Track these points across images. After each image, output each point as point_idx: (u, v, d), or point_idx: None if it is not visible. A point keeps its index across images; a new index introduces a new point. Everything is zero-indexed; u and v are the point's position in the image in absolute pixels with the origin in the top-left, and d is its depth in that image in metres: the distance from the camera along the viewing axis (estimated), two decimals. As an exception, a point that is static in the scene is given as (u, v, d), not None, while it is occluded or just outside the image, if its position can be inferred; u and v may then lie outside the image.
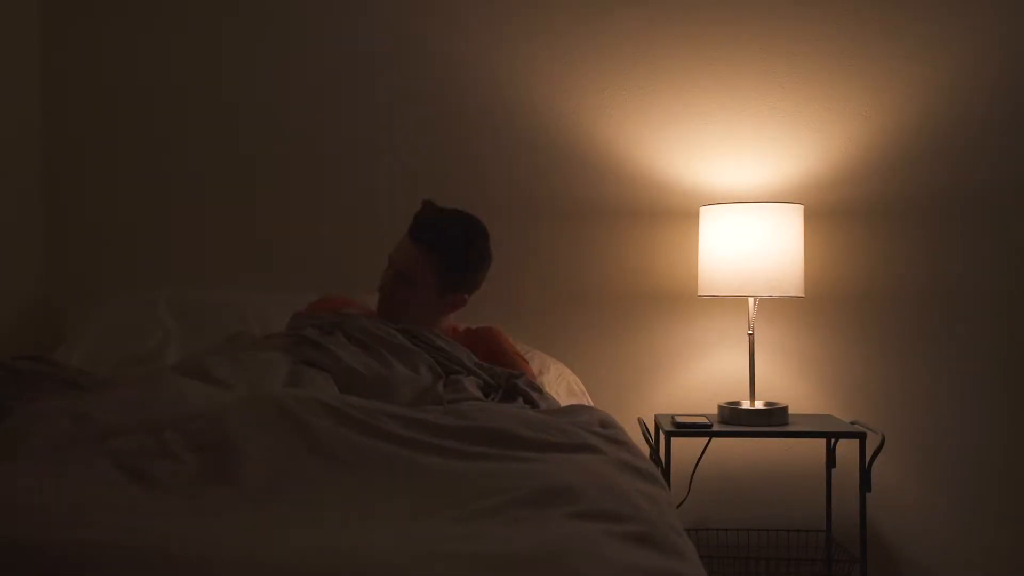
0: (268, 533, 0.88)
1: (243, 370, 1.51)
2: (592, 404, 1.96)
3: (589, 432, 1.28)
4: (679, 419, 2.18)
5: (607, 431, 1.41)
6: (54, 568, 0.75)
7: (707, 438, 2.26)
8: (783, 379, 2.44)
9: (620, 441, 1.32)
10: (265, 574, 0.76)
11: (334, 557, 0.80)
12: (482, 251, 1.94)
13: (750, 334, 2.28)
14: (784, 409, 2.21)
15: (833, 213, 2.43)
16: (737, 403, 2.25)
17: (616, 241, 2.46)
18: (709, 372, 2.45)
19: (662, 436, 2.16)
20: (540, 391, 1.75)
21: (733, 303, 2.42)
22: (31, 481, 0.96)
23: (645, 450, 2.16)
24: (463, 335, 2.00)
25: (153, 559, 0.76)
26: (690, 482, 2.31)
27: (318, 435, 1.13)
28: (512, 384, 1.71)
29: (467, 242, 1.92)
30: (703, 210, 2.29)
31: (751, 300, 2.26)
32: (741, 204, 2.22)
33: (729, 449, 2.39)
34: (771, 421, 2.18)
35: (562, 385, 2.16)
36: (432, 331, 1.84)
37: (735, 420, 2.19)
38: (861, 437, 2.12)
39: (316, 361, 1.64)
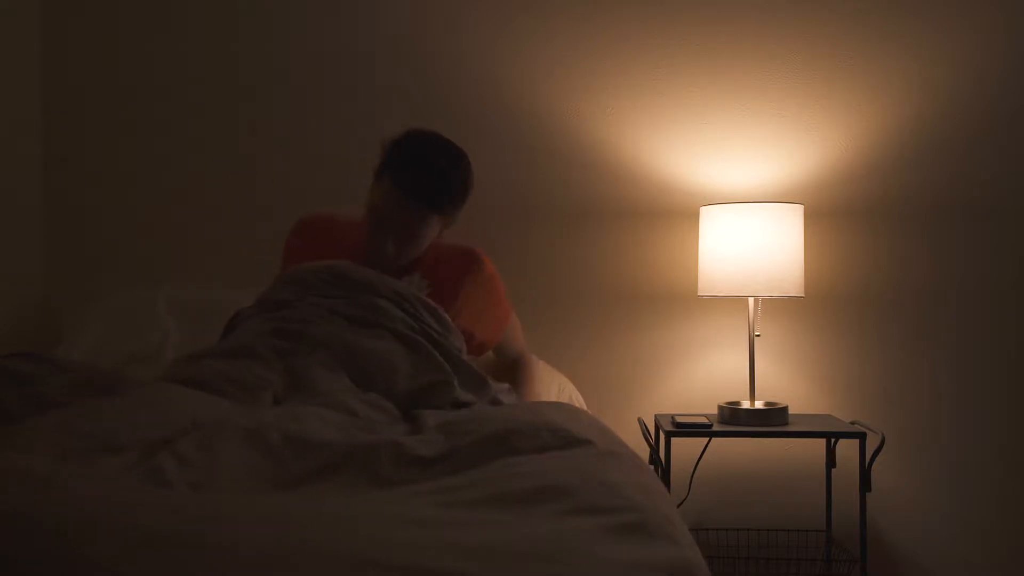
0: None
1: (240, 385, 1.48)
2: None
3: (579, 426, 1.28)
4: (679, 419, 2.18)
5: (596, 423, 1.41)
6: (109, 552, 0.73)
7: (707, 438, 2.26)
8: (783, 379, 2.44)
9: (608, 433, 1.32)
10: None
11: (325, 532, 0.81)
12: (470, 175, 1.87)
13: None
14: (784, 409, 2.21)
15: (833, 213, 2.43)
16: (737, 403, 2.25)
17: (616, 241, 2.46)
18: (709, 372, 2.45)
19: (662, 436, 2.16)
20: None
21: (733, 303, 2.42)
22: (56, 470, 0.96)
23: (645, 451, 2.16)
24: (448, 253, 1.90)
25: (214, 548, 0.76)
26: (690, 482, 2.31)
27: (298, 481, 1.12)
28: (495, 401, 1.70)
29: (463, 183, 1.84)
30: (703, 210, 2.29)
31: (751, 300, 2.26)
32: (741, 204, 2.22)
33: (729, 449, 2.39)
34: (771, 421, 2.18)
35: (553, 390, 2.17)
36: (429, 307, 1.74)
37: (735, 420, 2.19)
38: (861, 437, 2.12)
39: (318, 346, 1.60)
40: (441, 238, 1.94)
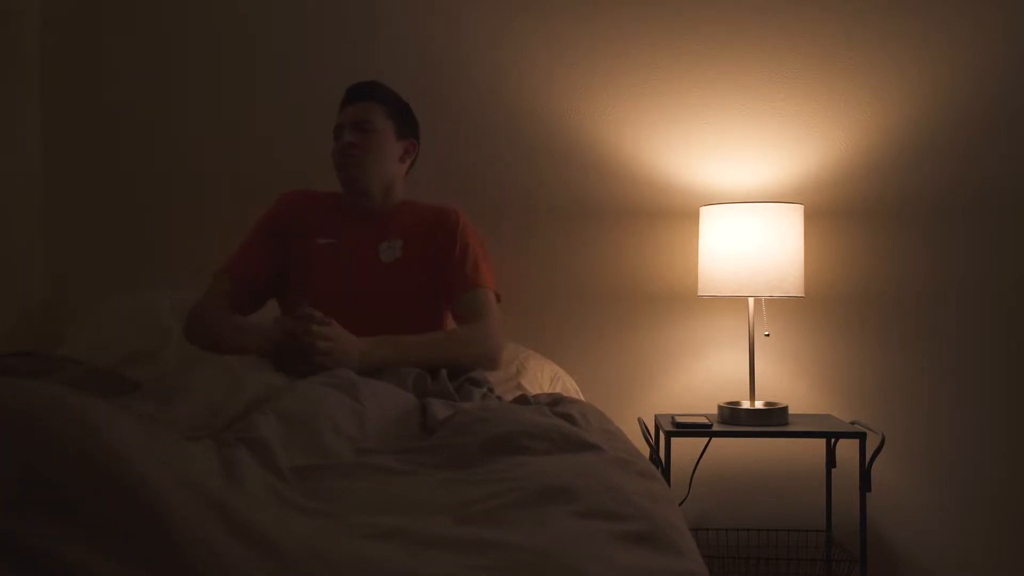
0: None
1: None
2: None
3: (588, 430, 1.28)
4: (679, 419, 2.18)
5: (604, 426, 1.41)
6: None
7: (707, 438, 2.26)
8: (783, 379, 2.44)
9: (618, 438, 1.32)
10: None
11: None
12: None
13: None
14: (784, 409, 2.21)
15: (833, 213, 2.43)
16: (737, 403, 2.25)
17: (616, 241, 2.46)
18: (709, 372, 2.45)
19: (662, 436, 2.16)
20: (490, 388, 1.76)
21: (733, 303, 2.42)
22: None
23: (645, 450, 2.16)
24: (424, 212, 2.06)
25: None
26: (690, 482, 2.31)
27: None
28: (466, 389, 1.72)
29: (398, 96, 2.12)
30: (703, 210, 2.29)
31: (751, 300, 2.26)
32: (741, 204, 2.22)
33: (729, 449, 2.39)
34: (771, 421, 2.18)
35: (558, 388, 2.16)
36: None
37: (735, 420, 2.19)
38: (861, 437, 2.12)
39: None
40: (412, 198, 2.11)
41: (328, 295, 1.89)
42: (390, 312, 1.95)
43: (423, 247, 2.00)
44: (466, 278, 1.97)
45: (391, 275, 1.98)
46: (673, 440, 2.13)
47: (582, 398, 2.18)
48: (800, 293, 2.21)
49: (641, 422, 2.29)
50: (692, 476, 2.31)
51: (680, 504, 2.28)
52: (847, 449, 2.25)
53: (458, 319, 1.98)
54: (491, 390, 1.74)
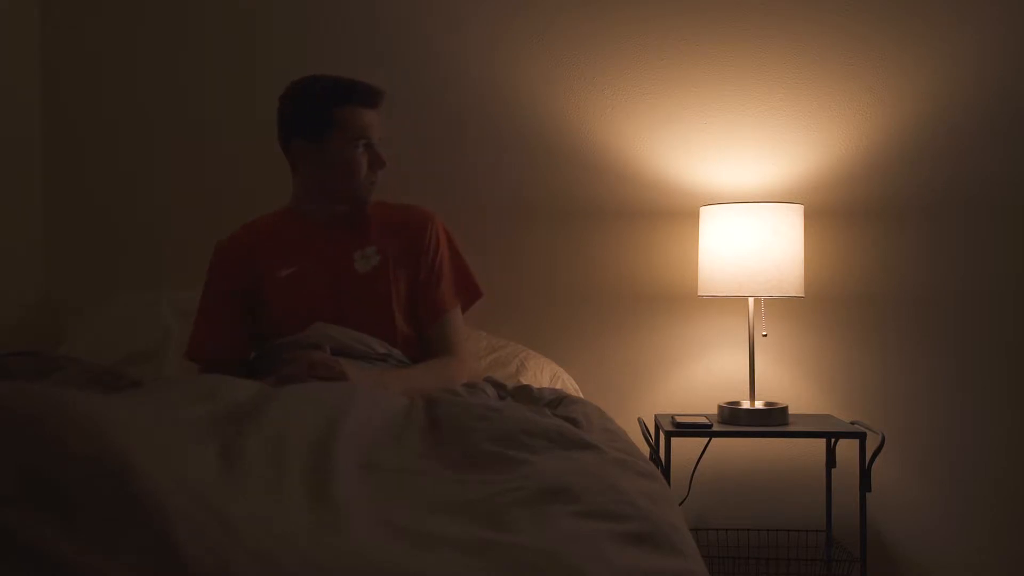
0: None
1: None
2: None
3: (589, 430, 1.28)
4: (679, 419, 2.18)
5: (606, 426, 1.41)
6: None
7: (707, 438, 2.27)
8: (783, 379, 2.44)
9: (619, 438, 1.32)
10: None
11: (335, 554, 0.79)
12: None
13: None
14: (784, 409, 2.21)
15: (833, 213, 2.43)
16: (737, 403, 2.25)
17: (616, 241, 2.46)
18: (709, 372, 2.45)
19: (662, 436, 2.16)
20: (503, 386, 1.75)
21: (733, 303, 2.43)
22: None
23: (645, 450, 2.16)
24: (397, 213, 1.99)
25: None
26: (690, 482, 2.31)
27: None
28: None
29: None
30: (703, 210, 2.29)
31: (751, 300, 2.26)
32: (741, 204, 2.22)
33: (729, 449, 2.39)
34: (771, 421, 2.18)
35: (558, 388, 2.16)
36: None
37: (735, 420, 2.19)
38: (861, 437, 2.12)
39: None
40: (380, 198, 2.01)
41: (304, 319, 1.83)
42: (369, 319, 1.87)
43: (399, 252, 1.93)
44: (435, 304, 1.94)
45: (369, 284, 1.90)
46: (673, 440, 2.13)
47: (579, 392, 2.18)
48: (800, 293, 2.22)
49: (641, 422, 2.29)
50: (692, 476, 2.31)
51: (680, 504, 2.28)
52: (847, 449, 2.25)
53: (429, 345, 1.94)
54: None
